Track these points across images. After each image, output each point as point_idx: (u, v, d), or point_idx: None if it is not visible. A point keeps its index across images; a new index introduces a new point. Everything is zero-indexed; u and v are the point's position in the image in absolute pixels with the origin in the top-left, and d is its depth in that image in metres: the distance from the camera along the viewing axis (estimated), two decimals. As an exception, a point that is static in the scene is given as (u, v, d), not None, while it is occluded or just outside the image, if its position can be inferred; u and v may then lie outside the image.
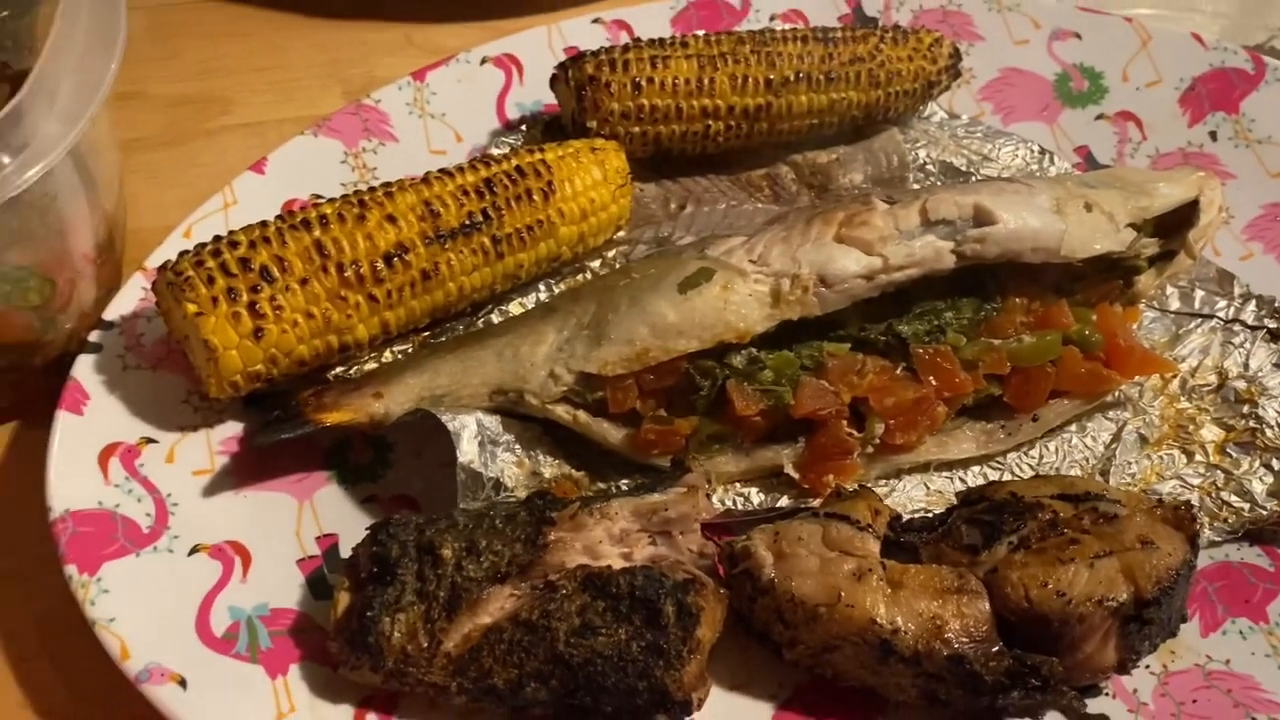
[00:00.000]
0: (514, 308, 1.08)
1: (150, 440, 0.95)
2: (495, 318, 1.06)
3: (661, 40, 1.16)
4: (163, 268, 0.94)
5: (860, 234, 0.94)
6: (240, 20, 1.42)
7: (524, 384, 0.94)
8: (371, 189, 1.01)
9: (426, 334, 1.04)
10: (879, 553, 0.83)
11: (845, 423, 0.93)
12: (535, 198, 1.03)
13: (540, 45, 1.28)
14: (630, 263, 1.06)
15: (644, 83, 1.11)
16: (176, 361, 1.00)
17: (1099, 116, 1.25)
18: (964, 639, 0.79)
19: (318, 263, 0.94)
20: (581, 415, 0.94)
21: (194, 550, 0.89)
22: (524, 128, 1.21)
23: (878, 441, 0.93)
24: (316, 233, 0.95)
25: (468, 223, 1.00)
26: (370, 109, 1.21)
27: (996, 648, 0.79)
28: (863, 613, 0.79)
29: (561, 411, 0.94)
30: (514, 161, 1.04)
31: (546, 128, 1.20)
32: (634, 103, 1.12)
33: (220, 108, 1.35)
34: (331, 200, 0.99)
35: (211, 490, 0.94)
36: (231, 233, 0.96)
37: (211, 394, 0.94)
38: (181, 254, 0.94)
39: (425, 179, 1.02)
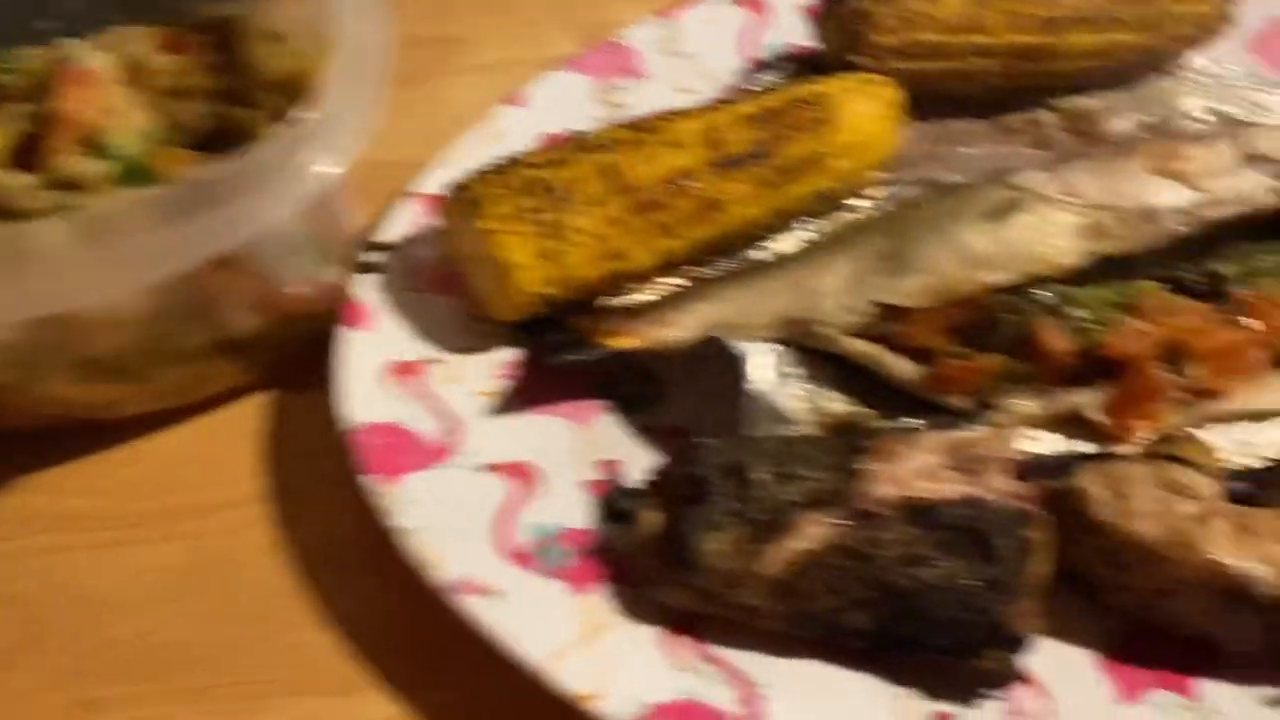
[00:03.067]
0: (778, 245, 1.05)
1: (433, 360, 0.95)
2: (759, 254, 1.04)
3: (931, -26, 1.12)
4: (454, 187, 0.93)
5: (1179, 167, 0.90)
6: (469, -38, 1.42)
7: (817, 314, 0.91)
8: (653, 115, 0.99)
9: (698, 267, 1.02)
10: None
11: (1158, 366, 0.88)
12: (815, 129, 1.00)
13: (786, -15, 1.25)
14: (914, 198, 1.02)
15: (917, 17, 1.08)
16: (449, 285, 0.99)
17: (1381, 70, 1.18)
18: (1324, 589, 0.74)
19: (610, 187, 0.93)
20: (876, 349, 0.91)
21: (487, 467, 0.88)
22: (776, 65, 1.19)
23: (1192, 387, 0.88)
24: (606, 156, 0.94)
25: (750, 152, 0.97)
26: (620, 47, 1.20)
27: (1361, 600, 0.74)
28: (1210, 557, 0.74)
29: (855, 344, 0.91)
30: (793, 92, 1.02)
31: (802, 66, 1.17)
32: (906, 38, 1.08)
33: (456, 48, 1.35)
34: (615, 125, 0.98)
35: (495, 411, 0.93)
36: (527, 154, 0.95)
37: (497, 315, 0.94)
38: (471, 174, 0.94)
39: (706, 107, 1.00)
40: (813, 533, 0.79)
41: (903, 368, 0.91)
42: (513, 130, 1.11)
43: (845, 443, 0.82)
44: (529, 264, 0.90)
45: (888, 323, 0.90)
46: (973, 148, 1.13)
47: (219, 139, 0.96)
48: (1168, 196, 0.88)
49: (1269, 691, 0.77)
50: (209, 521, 0.91)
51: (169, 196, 0.78)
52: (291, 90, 0.96)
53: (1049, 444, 0.91)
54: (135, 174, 0.89)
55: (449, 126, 1.15)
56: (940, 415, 0.90)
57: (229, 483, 0.93)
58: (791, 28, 1.23)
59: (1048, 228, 0.88)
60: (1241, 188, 0.89)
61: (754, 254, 1.03)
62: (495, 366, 0.96)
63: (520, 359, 0.96)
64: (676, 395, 0.96)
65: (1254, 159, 0.90)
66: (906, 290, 0.89)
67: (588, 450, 0.92)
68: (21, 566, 0.87)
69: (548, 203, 0.91)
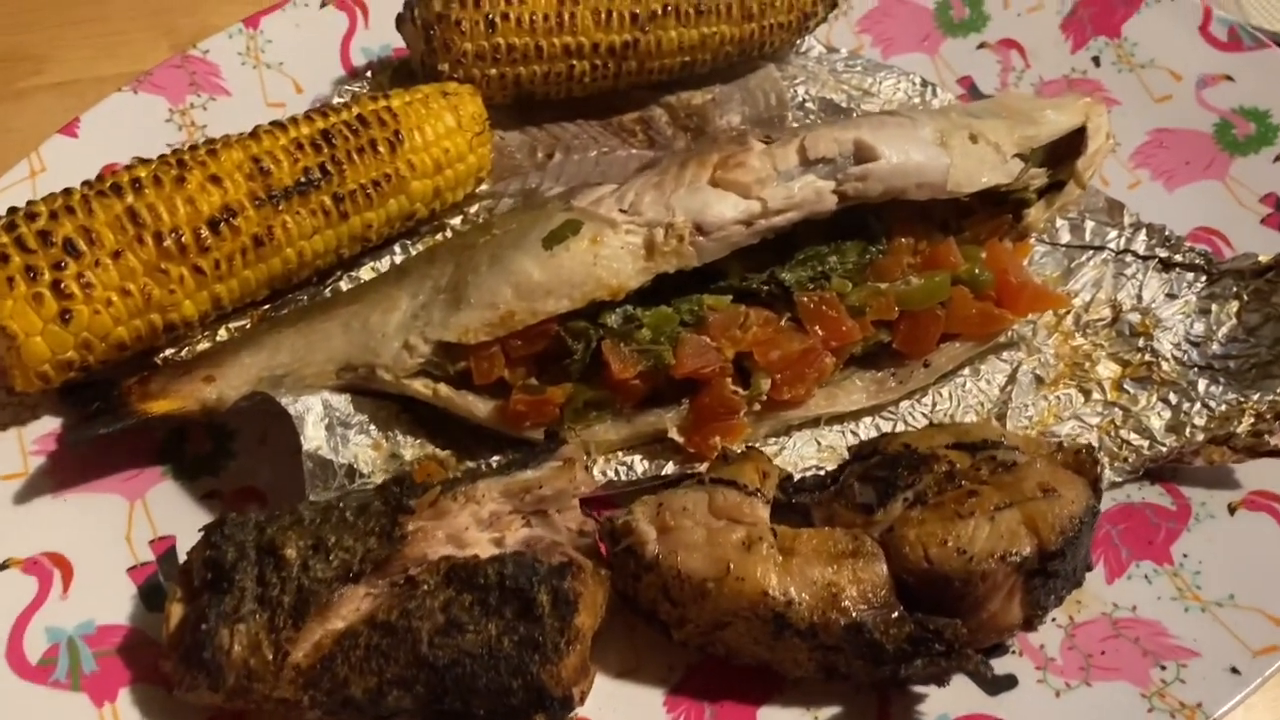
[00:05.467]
0: (366, 274, 0.98)
1: (-52, 445, 0.84)
2: (345, 286, 0.97)
3: (516, -26, 1.06)
4: (-53, 247, 0.82)
5: (736, 176, 0.87)
6: (51, -34, 1.28)
7: (375, 358, 0.85)
8: (193, 147, 0.90)
9: (267, 308, 0.94)
10: (769, 518, 0.77)
11: (730, 380, 0.86)
12: (381, 149, 0.93)
13: (387, -16, 1.17)
14: (493, 218, 0.97)
15: (498, 19, 1.02)
16: (-23, 355, 0.88)
17: (981, 45, 1.20)
18: (862, 606, 0.73)
19: (132, 233, 0.83)
20: (443, 389, 0.85)
21: (2, 566, 0.79)
22: (370, 74, 1.11)
23: (765, 398, 0.87)
24: (129, 199, 0.84)
25: (304, 180, 0.90)
26: (198, 61, 1.10)
27: (896, 613, 0.73)
28: (754, 585, 0.73)
29: (419, 386, 0.85)
30: (355, 110, 0.94)
31: (395, 73, 1.10)
32: (489, 42, 1.02)
33: (32, 66, 1.21)
34: (146, 162, 0.88)
35: (25, 496, 0.83)
36: (30, 203, 0.84)
37: (18, 388, 0.83)
38: (-32, 231, 0.82)
39: (254, 133, 0.92)
40: (347, 610, 0.73)
41: (474, 405, 0.86)
42: (67, 164, 0.99)
43: (389, 503, 0.76)
44: (39, 330, 0.80)
45: (451, 361, 0.85)
46: (585, 152, 1.09)
47: None
48: (725, 209, 0.86)
49: (827, 711, 0.76)
50: None
51: None
52: None
53: (639, 469, 0.88)
54: None
55: (19, 158, 1.03)
56: (521, 448, 0.86)
57: None
58: (390, 31, 1.15)
59: (605, 251, 0.84)
60: (799, 194, 0.87)
61: (329, 291, 0.96)
62: (30, 443, 0.86)
63: (59, 432, 0.86)
64: (248, 454, 0.89)
65: (813, 161, 0.89)
66: (464, 325, 0.84)
67: (138, 529, 0.83)
68: None
69: (57, 259, 0.80)
